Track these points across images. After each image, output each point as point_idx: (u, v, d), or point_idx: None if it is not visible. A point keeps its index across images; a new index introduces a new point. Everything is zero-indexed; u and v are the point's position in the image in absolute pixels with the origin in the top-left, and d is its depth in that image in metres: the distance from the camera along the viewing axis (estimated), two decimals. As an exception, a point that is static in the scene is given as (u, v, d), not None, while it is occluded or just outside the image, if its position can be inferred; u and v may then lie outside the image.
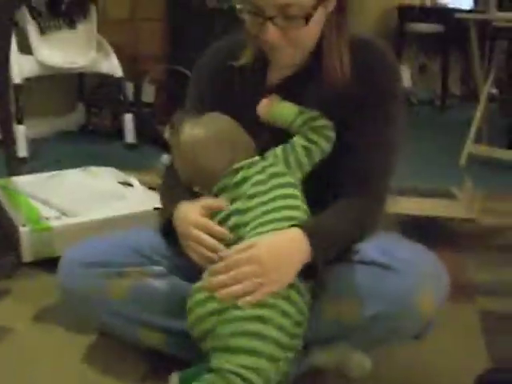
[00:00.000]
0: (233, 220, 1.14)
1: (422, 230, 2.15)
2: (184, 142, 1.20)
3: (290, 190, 1.16)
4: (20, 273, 1.85)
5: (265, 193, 1.15)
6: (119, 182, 2.21)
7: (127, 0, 4.17)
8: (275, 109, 1.21)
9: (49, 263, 1.77)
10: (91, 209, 1.96)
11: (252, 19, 1.12)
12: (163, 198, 1.31)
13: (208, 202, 1.17)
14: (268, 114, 1.22)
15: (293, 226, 1.08)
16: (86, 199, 2.02)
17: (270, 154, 1.22)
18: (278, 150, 1.21)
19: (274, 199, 1.14)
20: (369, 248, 1.17)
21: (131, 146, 3.47)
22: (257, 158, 1.21)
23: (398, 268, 1.13)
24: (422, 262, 1.16)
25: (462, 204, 2.32)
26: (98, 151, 3.51)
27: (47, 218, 1.91)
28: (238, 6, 1.13)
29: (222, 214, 1.16)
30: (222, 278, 1.04)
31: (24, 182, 2.21)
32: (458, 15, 3.56)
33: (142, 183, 2.27)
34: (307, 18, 1.08)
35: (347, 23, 1.18)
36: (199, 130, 1.20)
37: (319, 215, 1.14)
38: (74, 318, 1.46)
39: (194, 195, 1.22)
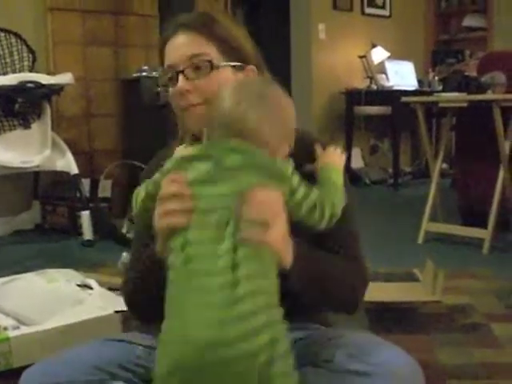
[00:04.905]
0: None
1: (387, 316, 2.15)
2: None
3: None
4: (-23, 388, 1.77)
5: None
6: (78, 285, 2.16)
7: (81, 97, 4.22)
8: None
9: (8, 375, 1.71)
10: (50, 315, 1.90)
11: (168, 82, 1.24)
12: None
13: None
14: None
15: None
16: (44, 306, 1.96)
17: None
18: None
19: None
20: (341, 355, 1.15)
21: (89, 243, 3.42)
22: None
23: (372, 373, 1.11)
24: (396, 364, 1.14)
25: (425, 286, 2.33)
26: (55, 250, 3.46)
27: (5, 328, 1.85)
28: (159, 76, 1.27)
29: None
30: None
31: (-21, 289, 2.14)
32: (404, 99, 3.69)
33: (102, 284, 2.22)
34: (212, 66, 1.21)
35: None
36: None
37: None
38: None
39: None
